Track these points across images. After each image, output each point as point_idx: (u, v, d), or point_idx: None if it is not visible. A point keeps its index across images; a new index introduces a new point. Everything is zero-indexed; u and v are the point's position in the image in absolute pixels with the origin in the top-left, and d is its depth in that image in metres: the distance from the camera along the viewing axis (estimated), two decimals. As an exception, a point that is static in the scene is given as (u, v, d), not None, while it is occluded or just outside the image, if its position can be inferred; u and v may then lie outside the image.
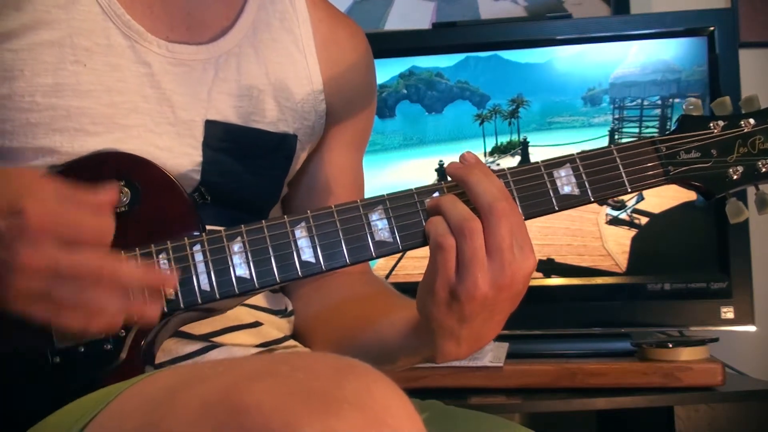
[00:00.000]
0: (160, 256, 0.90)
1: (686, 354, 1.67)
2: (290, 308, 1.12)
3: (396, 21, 2.25)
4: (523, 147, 1.87)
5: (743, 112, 1.00)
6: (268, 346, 1.04)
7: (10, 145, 0.94)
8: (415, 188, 0.93)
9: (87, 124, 0.95)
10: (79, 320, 0.81)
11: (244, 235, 0.91)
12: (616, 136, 1.85)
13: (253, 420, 0.59)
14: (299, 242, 0.91)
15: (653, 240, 1.84)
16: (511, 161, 1.85)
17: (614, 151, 0.96)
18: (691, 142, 0.98)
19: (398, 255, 1.84)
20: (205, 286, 0.90)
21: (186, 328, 0.97)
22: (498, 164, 1.83)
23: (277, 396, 0.60)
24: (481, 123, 1.88)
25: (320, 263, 0.91)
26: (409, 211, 0.91)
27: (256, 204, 1.07)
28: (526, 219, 0.92)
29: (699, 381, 1.64)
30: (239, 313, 1.02)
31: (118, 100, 0.97)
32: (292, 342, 1.08)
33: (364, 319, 1.05)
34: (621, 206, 1.84)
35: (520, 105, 1.87)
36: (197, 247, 0.90)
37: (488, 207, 0.86)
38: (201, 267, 0.90)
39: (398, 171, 1.90)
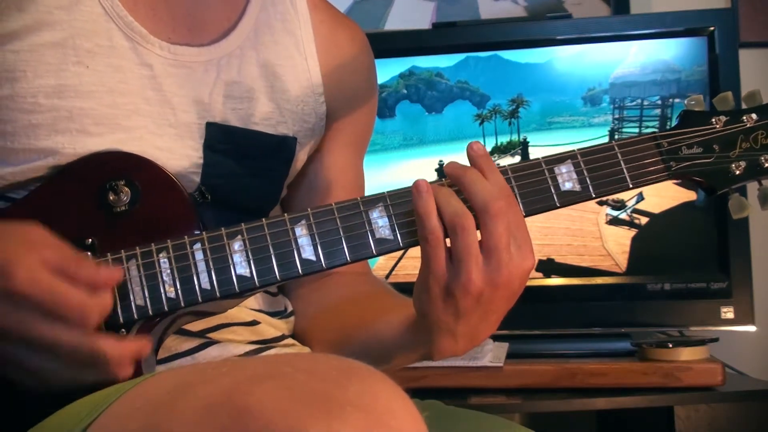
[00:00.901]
0: (161, 255, 0.90)
1: (686, 354, 1.67)
2: (290, 309, 1.12)
3: (396, 21, 2.25)
4: (523, 147, 1.87)
5: (745, 107, 1.00)
6: (265, 343, 1.04)
7: (12, 146, 0.94)
8: None
9: (89, 125, 0.95)
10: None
11: (245, 234, 0.91)
12: (616, 136, 1.85)
13: (256, 422, 0.59)
14: (300, 240, 0.91)
15: (653, 240, 1.84)
16: (511, 161, 1.85)
17: (615, 147, 0.96)
18: (693, 138, 0.98)
19: (398, 255, 1.84)
20: (206, 285, 0.90)
21: (185, 326, 0.97)
22: (498, 164, 1.83)
23: (281, 398, 0.60)
24: (481, 123, 1.88)
25: (321, 261, 0.91)
26: (410, 208, 0.91)
27: (256, 206, 1.07)
28: (527, 216, 0.92)
29: (699, 381, 1.65)
30: (236, 313, 1.02)
31: (120, 102, 0.97)
32: (290, 341, 1.08)
33: (362, 318, 1.05)
34: (621, 206, 1.84)
35: (520, 105, 1.87)
36: (197, 246, 0.90)
37: (483, 206, 0.86)
38: (201, 266, 0.90)
39: (398, 171, 1.90)
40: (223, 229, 0.91)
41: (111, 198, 0.93)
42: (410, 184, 0.91)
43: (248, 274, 0.90)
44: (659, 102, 1.85)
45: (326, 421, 0.58)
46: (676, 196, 1.81)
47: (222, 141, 1.02)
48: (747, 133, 0.98)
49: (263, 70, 1.06)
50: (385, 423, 0.60)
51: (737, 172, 0.98)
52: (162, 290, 0.89)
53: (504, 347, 1.72)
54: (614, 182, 0.96)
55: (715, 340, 1.74)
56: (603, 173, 0.95)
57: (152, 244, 0.90)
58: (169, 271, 0.90)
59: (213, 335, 1.00)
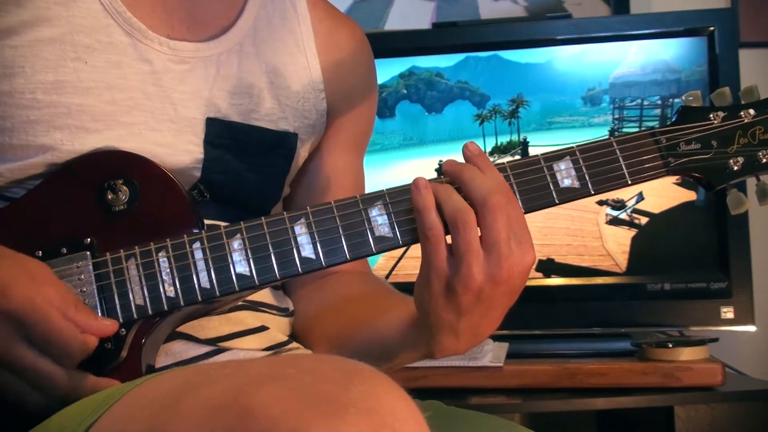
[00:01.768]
0: (160, 254, 0.90)
1: (686, 354, 1.67)
2: (292, 308, 1.12)
3: (396, 21, 2.25)
4: (523, 147, 1.87)
5: (743, 102, 1.00)
6: (273, 349, 1.04)
7: (10, 142, 0.94)
8: None
9: (87, 122, 0.95)
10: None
11: (244, 232, 0.90)
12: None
13: (260, 424, 0.59)
14: (299, 238, 0.91)
15: (653, 240, 1.84)
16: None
17: (614, 144, 0.96)
18: (692, 134, 0.98)
19: (398, 255, 1.84)
20: (205, 284, 0.90)
21: (192, 332, 0.97)
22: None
23: (285, 400, 0.60)
24: (481, 123, 1.88)
25: (320, 259, 0.91)
26: (409, 206, 0.91)
27: (256, 202, 1.06)
28: (526, 213, 0.91)
29: (699, 381, 1.65)
30: (244, 318, 1.02)
31: (119, 98, 0.97)
32: (295, 344, 1.08)
33: (363, 317, 1.04)
34: (621, 206, 1.84)
35: (520, 105, 1.87)
36: (197, 245, 0.90)
37: (482, 201, 0.86)
38: (201, 264, 0.90)
39: (398, 171, 1.90)
40: (222, 227, 0.91)
41: (109, 197, 0.93)
42: (415, 178, 0.91)
43: (248, 273, 0.90)
44: (659, 102, 1.85)
45: (330, 423, 0.58)
46: (676, 196, 1.81)
47: (222, 136, 1.02)
48: (745, 129, 0.98)
49: (263, 66, 1.06)
50: (389, 424, 0.60)
51: (735, 168, 0.98)
52: (161, 289, 0.89)
53: (504, 347, 1.72)
54: (613, 179, 0.95)
55: (715, 340, 1.74)
56: (601, 170, 0.95)
57: (151, 243, 0.90)
58: (168, 270, 0.90)
59: (223, 344, 0.99)
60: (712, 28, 1.82)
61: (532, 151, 1.87)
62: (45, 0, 0.95)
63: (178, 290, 0.89)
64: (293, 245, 0.90)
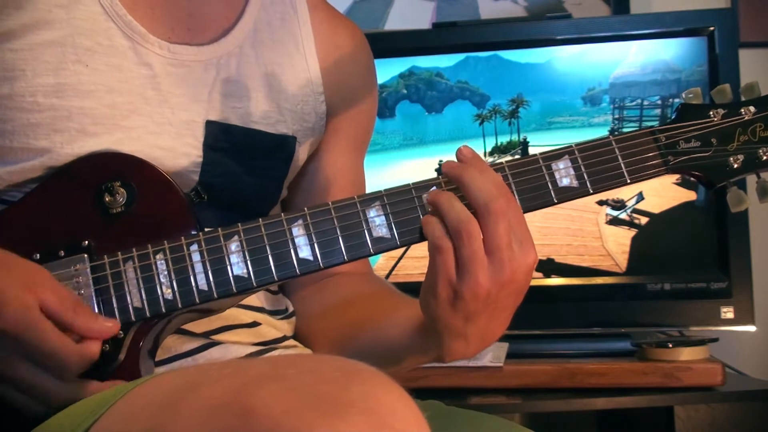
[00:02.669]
0: (158, 257, 0.90)
1: (686, 354, 1.67)
2: (291, 309, 1.12)
3: (396, 21, 2.25)
4: (523, 147, 1.87)
5: (743, 99, 0.99)
6: (266, 345, 1.04)
7: (11, 145, 0.94)
8: (413, 183, 0.92)
9: (88, 125, 0.95)
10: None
11: (241, 234, 0.90)
12: (616, 136, 1.85)
13: (261, 424, 0.59)
14: (296, 240, 0.90)
15: (653, 240, 1.84)
16: (510, 161, 1.85)
17: (613, 142, 0.95)
18: (691, 131, 0.97)
19: (398, 255, 1.84)
20: (203, 286, 0.90)
21: (185, 326, 0.97)
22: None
23: (285, 400, 0.60)
24: (481, 123, 1.88)
25: (318, 260, 0.90)
26: (407, 206, 0.91)
27: (255, 205, 1.06)
28: (524, 212, 0.91)
29: (699, 381, 1.65)
30: (237, 314, 1.02)
31: (119, 101, 0.97)
32: (291, 342, 1.08)
33: (365, 318, 1.04)
34: (621, 206, 1.84)
35: (520, 105, 1.87)
36: (194, 247, 0.90)
37: (484, 206, 0.86)
38: (198, 267, 0.90)
39: (398, 171, 1.90)
40: (219, 229, 0.91)
41: (107, 199, 0.93)
42: (430, 191, 0.91)
43: (245, 275, 0.90)
44: (659, 102, 1.85)
45: (330, 423, 0.58)
46: (676, 196, 1.81)
47: (221, 139, 1.02)
48: (745, 126, 0.97)
49: (262, 69, 1.06)
50: (389, 425, 0.60)
51: (735, 166, 0.97)
52: (159, 292, 0.89)
53: (504, 347, 1.72)
54: (612, 177, 0.95)
55: (715, 340, 1.74)
56: (600, 168, 0.95)
57: (149, 245, 0.90)
58: (166, 272, 0.90)
59: (215, 337, 0.99)
60: (712, 28, 1.82)
61: (532, 151, 1.87)
62: (46, 3, 0.95)
63: (176, 292, 0.89)
64: (291, 247, 0.90)
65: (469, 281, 0.85)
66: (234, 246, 0.90)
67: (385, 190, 0.92)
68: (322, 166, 1.16)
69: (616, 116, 1.86)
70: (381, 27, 2.25)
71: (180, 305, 0.89)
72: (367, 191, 1.15)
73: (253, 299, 1.05)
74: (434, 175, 0.93)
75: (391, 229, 0.91)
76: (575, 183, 0.94)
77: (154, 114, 0.98)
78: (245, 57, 1.05)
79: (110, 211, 0.93)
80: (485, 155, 1.85)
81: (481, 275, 0.85)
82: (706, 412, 1.64)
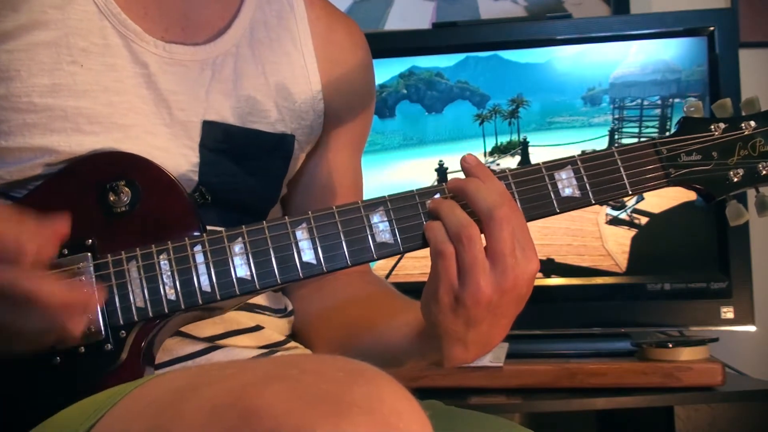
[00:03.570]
0: (161, 257, 0.90)
1: (686, 354, 1.67)
2: (290, 308, 1.12)
3: (396, 21, 2.25)
4: (523, 147, 1.87)
5: (744, 114, 1.00)
6: (269, 348, 1.04)
7: (7, 145, 0.94)
8: (417, 189, 0.93)
9: (84, 125, 0.95)
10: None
11: (245, 236, 0.91)
12: (616, 136, 1.85)
13: (264, 424, 0.59)
14: (300, 243, 0.91)
15: (653, 240, 1.84)
16: (511, 161, 1.85)
17: (615, 153, 0.96)
18: (692, 145, 0.98)
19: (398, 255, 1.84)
20: (206, 287, 0.90)
21: (188, 330, 0.97)
22: (498, 164, 1.83)
23: (288, 400, 0.60)
24: (481, 123, 1.88)
25: (321, 264, 0.91)
26: (411, 212, 0.91)
27: (254, 205, 1.06)
28: (527, 221, 0.91)
29: (699, 381, 1.65)
30: (240, 318, 1.02)
31: (116, 100, 0.97)
32: (293, 344, 1.08)
33: (365, 320, 1.05)
34: (621, 206, 1.84)
35: (520, 105, 1.87)
36: (198, 248, 0.90)
37: (488, 214, 0.86)
38: (202, 268, 0.90)
39: (398, 171, 1.90)
40: (223, 231, 0.91)
41: (111, 198, 0.93)
42: (410, 184, 0.91)
43: (249, 277, 0.90)
44: (659, 102, 1.85)
45: (334, 423, 0.58)
46: (676, 196, 1.81)
47: (219, 140, 1.01)
48: (745, 141, 0.99)
49: (260, 68, 1.06)
50: (392, 425, 0.60)
51: (735, 180, 0.98)
52: (162, 292, 0.89)
53: (504, 347, 1.72)
54: (614, 189, 0.96)
55: (715, 340, 1.74)
56: (603, 179, 0.95)
57: (152, 245, 0.90)
58: (169, 272, 0.90)
59: (218, 342, 0.99)
60: (712, 28, 1.82)
61: (532, 150, 1.87)
62: (40, 4, 0.95)
63: (179, 293, 0.89)
64: (294, 250, 0.91)
65: (471, 287, 0.85)
66: (238, 248, 0.90)
67: (389, 196, 0.92)
68: (320, 164, 1.16)
69: (616, 116, 1.86)
70: (381, 27, 2.24)
71: (183, 306, 0.89)
72: (367, 191, 1.16)
73: (255, 298, 1.05)
74: (434, 175, 0.93)
75: (394, 235, 0.92)
76: (577, 193, 0.95)
77: (150, 113, 0.98)
78: (242, 56, 1.05)
79: (114, 210, 0.93)
80: (485, 155, 1.85)
81: (482, 281, 0.85)
82: (706, 412, 1.64)
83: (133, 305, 0.89)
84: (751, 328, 1.78)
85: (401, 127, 1.92)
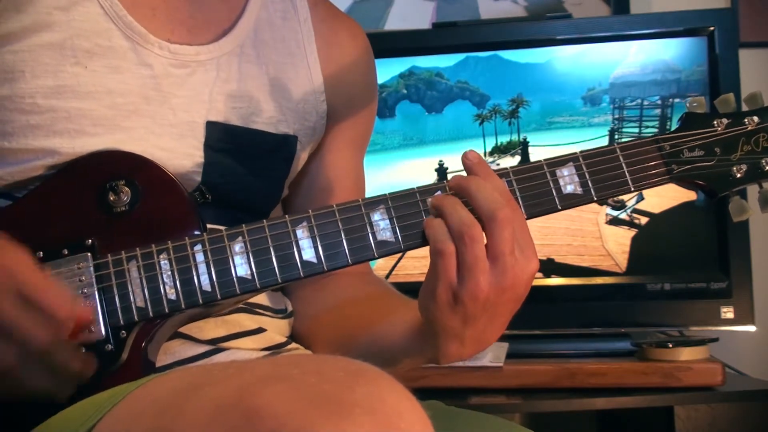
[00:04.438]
0: (161, 256, 0.90)
1: (686, 354, 1.67)
2: (290, 309, 1.12)
3: (396, 21, 2.25)
4: (523, 147, 1.87)
5: (747, 109, 1.00)
6: (271, 349, 1.04)
7: (10, 146, 0.94)
8: (417, 187, 0.93)
9: (87, 126, 0.95)
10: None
11: (246, 235, 0.90)
12: (616, 136, 1.85)
13: (266, 424, 0.59)
14: (301, 242, 0.91)
15: (653, 240, 1.84)
16: (511, 161, 1.85)
17: (617, 150, 0.96)
18: (695, 140, 0.98)
19: (398, 255, 1.84)
20: (206, 287, 0.90)
21: (190, 332, 0.97)
22: (498, 164, 1.83)
23: (290, 400, 0.60)
24: (481, 123, 1.88)
25: (322, 263, 0.91)
26: (411, 210, 0.91)
27: (256, 205, 1.06)
28: (528, 218, 0.92)
29: (699, 381, 1.65)
30: (242, 320, 1.02)
31: (120, 102, 0.97)
32: (294, 345, 1.08)
33: (365, 320, 1.04)
34: (621, 206, 1.84)
35: (520, 105, 1.87)
36: (198, 247, 0.90)
37: (490, 214, 0.86)
38: (202, 267, 0.90)
39: (398, 171, 1.90)
40: (224, 230, 0.91)
41: (111, 198, 0.93)
42: (410, 184, 0.91)
43: (249, 276, 0.90)
44: (659, 102, 1.85)
45: (336, 423, 0.58)
46: (676, 196, 1.81)
47: (222, 140, 1.01)
48: (748, 136, 0.98)
49: (263, 69, 1.06)
50: (394, 425, 0.60)
51: (738, 175, 0.98)
52: (163, 292, 0.89)
53: (504, 347, 1.72)
54: (616, 185, 0.95)
55: (715, 340, 1.74)
56: (605, 176, 0.95)
57: (153, 245, 0.90)
58: (169, 272, 0.90)
59: (221, 344, 0.99)
60: (712, 28, 1.82)
61: (533, 150, 1.87)
62: (45, 5, 0.95)
63: (179, 292, 0.89)
64: (295, 249, 0.91)
65: (470, 285, 0.85)
66: (238, 247, 0.90)
67: (390, 194, 0.92)
68: (322, 165, 1.16)
69: (616, 116, 1.86)
70: (381, 27, 2.25)
71: (183, 305, 0.89)
72: (367, 191, 1.16)
73: (255, 298, 1.05)
74: (434, 175, 0.93)
75: (395, 233, 0.91)
76: (579, 190, 0.95)
77: (155, 115, 0.98)
78: (246, 57, 1.05)
79: (114, 210, 0.93)
80: (485, 155, 1.85)
81: (482, 279, 0.85)
82: (706, 412, 1.64)
83: (133, 305, 0.89)
84: (751, 328, 1.78)
85: (401, 127, 1.92)
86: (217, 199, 1.00)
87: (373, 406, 0.60)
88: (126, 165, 0.94)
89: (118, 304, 0.89)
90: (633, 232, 1.84)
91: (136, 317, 0.89)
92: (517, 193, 0.93)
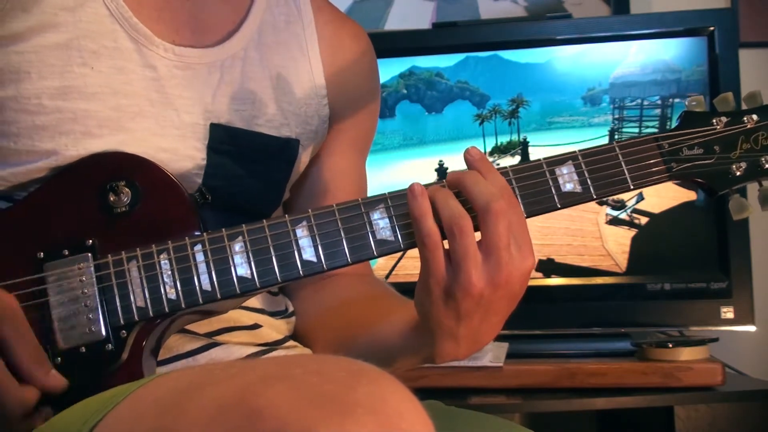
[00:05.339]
0: (161, 257, 0.90)
1: (686, 354, 1.67)
2: (291, 309, 1.12)
3: (396, 21, 2.25)
4: (523, 147, 1.87)
5: (746, 108, 1.00)
6: (267, 346, 1.04)
7: (15, 147, 0.94)
8: None
9: (93, 127, 0.95)
10: None
11: (245, 235, 0.91)
12: (616, 136, 1.85)
13: (268, 424, 0.59)
14: (300, 241, 0.91)
15: (653, 240, 1.84)
16: (511, 161, 1.85)
17: (617, 148, 0.96)
18: (694, 139, 0.98)
19: (398, 255, 1.84)
20: (207, 286, 0.90)
21: (187, 326, 0.97)
22: (498, 164, 1.83)
23: (292, 400, 0.60)
24: (481, 123, 1.88)
25: (321, 262, 0.91)
26: (411, 209, 0.91)
27: (257, 208, 1.06)
28: (528, 217, 0.91)
29: (699, 381, 1.65)
30: (238, 316, 1.02)
31: (124, 103, 0.97)
32: (292, 342, 1.08)
33: (364, 320, 1.05)
34: (621, 206, 1.84)
35: (520, 105, 1.87)
36: (198, 247, 0.90)
37: (485, 206, 0.86)
38: (202, 267, 0.90)
39: (398, 171, 1.90)
40: (224, 230, 0.91)
41: (111, 199, 0.93)
42: (410, 183, 0.91)
43: (249, 276, 0.90)
44: (659, 102, 1.85)
45: (337, 423, 0.58)
46: (676, 196, 1.81)
47: (225, 142, 1.02)
48: (748, 134, 0.98)
49: (267, 72, 1.06)
50: (395, 425, 0.60)
51: (738, 173, 0.98)
52: (163, 291, 0.89)
53: (504, 347, 1.72)
54: (615, 183, 0.95)
55: (715, 340, 1.74)
56: (604, 174, 0.95)
57: (153, 245, 0.90)
58: (169, 272, 0.90)
59: (216, 338, 1.00)
60: (712, 28, 1.82)
61: (533, 150, 1.87)
62: (52, 6, 0.95)
63: (180, 292, 0.89)
64: (294, 248, 0.91)
65: (461, 279, 0.85)
66: (238, 247, 0.90)
67: (389, 193, 0.92)
68: (324, 169, 1.16)
69: (616, 116, 1.86)
70: (381, 27, 2.25)
71: (183, 305, 0.89)
72: (368, 191, 1.16)
73: (253, 301, 1.05)
74: (434, 175, 0.93)
75: (394, 232, 0.91)
76: (579, 188, 0.94)
77: (158, 116, 0.98)
78: (249, 60, 1.05)
79: (114, 210, 0.93)
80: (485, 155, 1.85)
81: (474, 273, 0.85)
82: (706, 412, 1.64)
83: (133, 305, 0.89)
84: (751, 328, 1.78)
85: (401, 127, 1.92)
86: (218, 201, 1.00)
87: (375, 407, 0.60)
88: (126, 166, 0.94)
89: (118, 304, 0.89)
90: (633, 232, 1.84)
91: (136, 317, 0.89)
92: (517, 192, 0.93)
